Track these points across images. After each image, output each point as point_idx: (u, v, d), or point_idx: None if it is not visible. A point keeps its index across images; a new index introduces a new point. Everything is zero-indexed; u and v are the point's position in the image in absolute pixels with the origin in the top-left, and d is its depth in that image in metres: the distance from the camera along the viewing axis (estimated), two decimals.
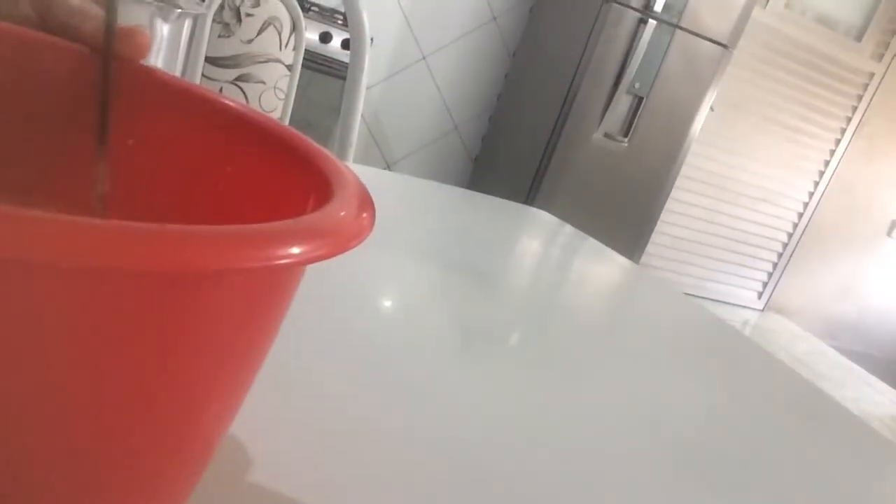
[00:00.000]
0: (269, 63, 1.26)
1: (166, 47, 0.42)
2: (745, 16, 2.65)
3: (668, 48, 2.57)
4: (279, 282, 0.19)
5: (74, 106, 0.28)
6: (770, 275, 3.92)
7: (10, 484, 0.16)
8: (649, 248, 3.42)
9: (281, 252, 0.15)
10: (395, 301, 0.48)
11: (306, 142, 0.25)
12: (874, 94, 3.59)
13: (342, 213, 0.18)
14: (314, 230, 0.17)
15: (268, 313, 0.19)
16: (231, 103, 0.28)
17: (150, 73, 0.28)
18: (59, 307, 0.14)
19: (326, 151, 0.25)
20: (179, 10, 0.41)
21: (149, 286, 0.15)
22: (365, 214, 0.19)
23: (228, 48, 1.23)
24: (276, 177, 0.25)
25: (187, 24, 0.45)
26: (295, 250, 0.15)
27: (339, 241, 0.17)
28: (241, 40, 1.23)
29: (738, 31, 2.66)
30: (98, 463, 0.17)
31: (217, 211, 0.27)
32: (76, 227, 0.12)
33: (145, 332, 0.15)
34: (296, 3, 1.26)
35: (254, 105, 1.27)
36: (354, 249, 0.18)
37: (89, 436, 0.16)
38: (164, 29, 0.41)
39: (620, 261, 0.81)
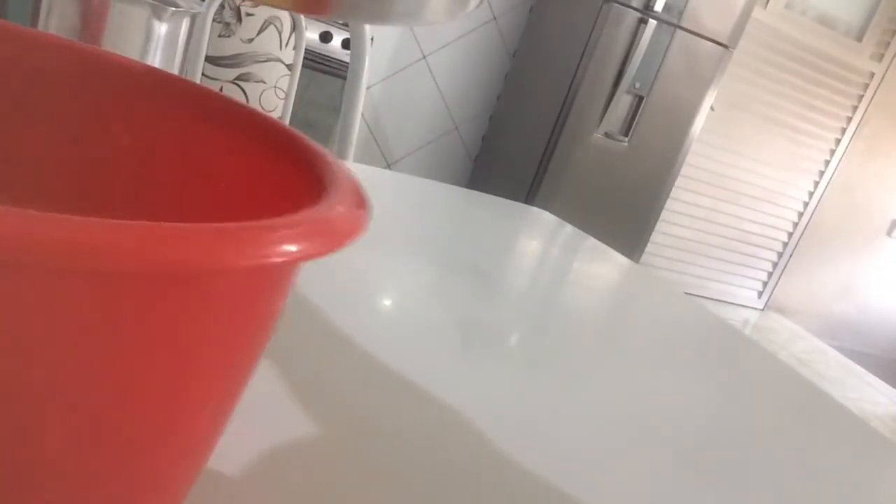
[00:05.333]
0: (270, 62, 1.26)
1: (163, 46, 0.42)
2: (745, 16, 2.65)
3: (668, 48, 2.57)
4: (274, 279, 0.19)
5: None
6: (770, 274, 3.92)
7: (4, 485, 0.15)
8: (649, 247, 3.42)
9: (275, 249, 0.15)
10: (394, 300, 0.48)
11: (302, 139, 0.25)
12: (874, 94, 3.59)
13: (337, 210, 0.18)
14: (309, 227, 0.17)
15: (263, 311, 0.19)
16: (226, 99, 0.27)
17: (145, 69, 0.28)
18: (51, 307, 0.14)
19: (322, 149, 0.24)
20: (174, 9, 0.41)
21: (141, 285, 0.15)
22: (360, 211, 0.19)
23: (229, 47, 1.23)
24: (271, 173, 0.25)
25: (185, 23, 0.45)
26: (290, 248, 0.15)
27: (335, 239, 0.17)
28: (242, 39, 1.23)
29: (738, 31, 2.66)
30: (93, 463, 0.17)
31: (212, 208, 0.27)
32: (69, 225, 0.12)
33: (138, 331, 0.15)
34: None
35: (254, 104, 1.27)
36: (353, 248, 0.17)
37: (84, 436, 0.16)
38: (160, 28, 0.41)
39: (621, 260, 0.81)
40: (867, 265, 4.10)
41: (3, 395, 0.14)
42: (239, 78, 1.25)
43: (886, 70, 3.55)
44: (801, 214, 3.80)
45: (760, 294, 3.96)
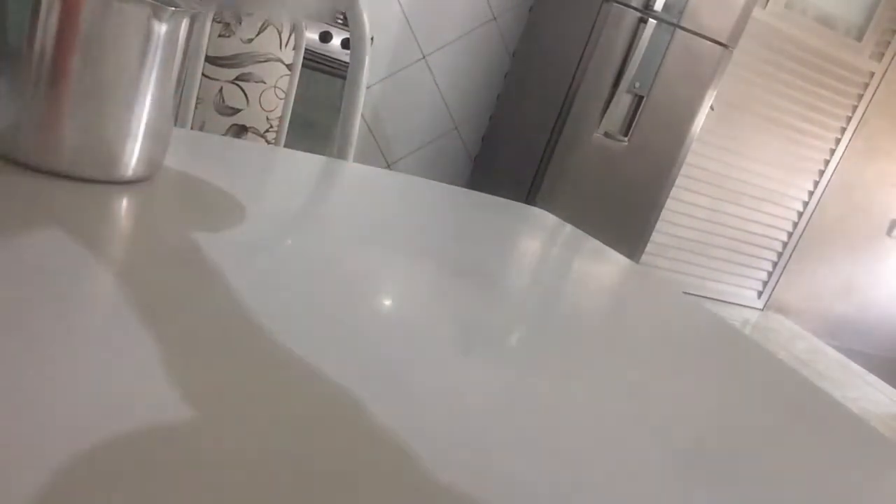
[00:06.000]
0: (270, 62, 1.26)
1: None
2: (745, 15, 2.65)
3: (668, 48, 2.56)
4: None
5: None
6: (770, 274, 3.92)
7: None
8: (649, 247, 3.42)
9: None
10: (394, 300, 0.48)
11: None
12: (874, 93, 3.59)
13: None
14: None
15: None
16: None
17: None
18: None
19: None
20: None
21: None
22: None
23: (229, 47, 1.23)
24: None
25: (185, 23, 0.45)
26: None
27: None
28: (242, 39, 1.23)
29: (738, 31, 2.66)
30: None
31: None
32: None
33: None
34: None
35: (254, 104, 1.27)
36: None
37: None
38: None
39: (621, 260, 0.81)
40: (867, 265, 4.10)
41: None
42: (239, 78, 1.25)
43: (886, 70, 3.55)
44: (801, 214, 3.80)
45: (760, 294, 3.96)
